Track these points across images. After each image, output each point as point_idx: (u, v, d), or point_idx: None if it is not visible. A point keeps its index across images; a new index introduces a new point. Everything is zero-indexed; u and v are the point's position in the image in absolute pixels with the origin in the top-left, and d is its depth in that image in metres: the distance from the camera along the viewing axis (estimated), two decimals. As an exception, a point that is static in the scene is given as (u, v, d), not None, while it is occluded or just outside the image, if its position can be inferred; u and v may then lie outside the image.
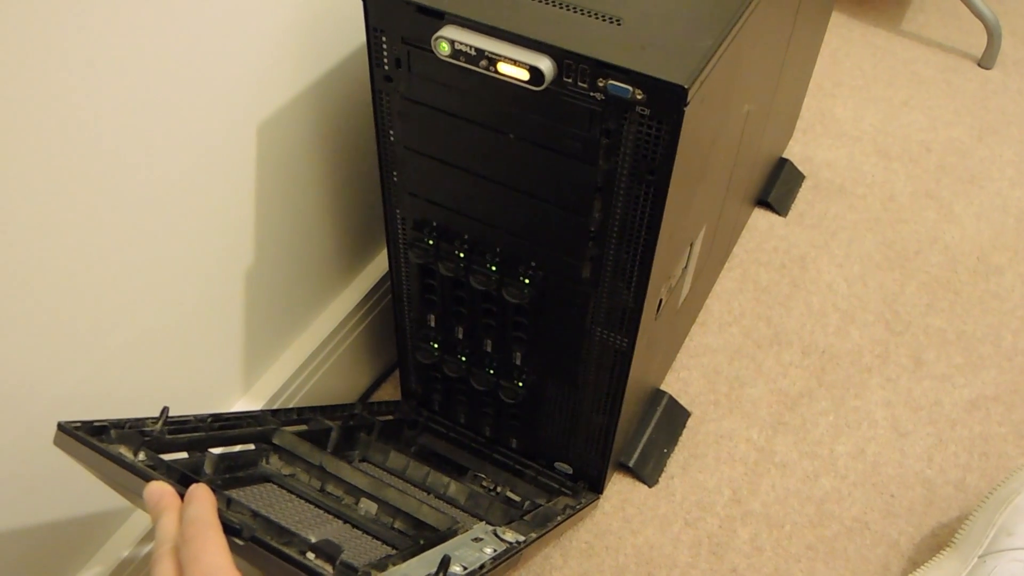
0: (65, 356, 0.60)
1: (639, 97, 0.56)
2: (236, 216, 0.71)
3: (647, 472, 0.91)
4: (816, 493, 0.92)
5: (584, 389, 0.78)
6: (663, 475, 0.92)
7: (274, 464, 0.69)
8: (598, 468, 0.85)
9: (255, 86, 0.68)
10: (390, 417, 0.88)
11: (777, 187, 1.21)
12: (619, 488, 0.91)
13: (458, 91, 0.63)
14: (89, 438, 0.53)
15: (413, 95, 0.66)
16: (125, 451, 0.54)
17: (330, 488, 0.69)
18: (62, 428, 0.53)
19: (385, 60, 0.65)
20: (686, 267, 0.81)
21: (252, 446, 0.69)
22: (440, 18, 0.60)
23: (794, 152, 1.29)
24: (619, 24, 0.59)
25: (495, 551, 0.63)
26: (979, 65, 1.46)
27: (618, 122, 0.58)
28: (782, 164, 1.24)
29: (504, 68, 0.58)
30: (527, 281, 0.71)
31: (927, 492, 0.92)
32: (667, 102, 0.56)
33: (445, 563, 0.53)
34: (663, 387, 0.99)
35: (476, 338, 0.80)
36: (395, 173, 0.72)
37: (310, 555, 0.47)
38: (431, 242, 0.74)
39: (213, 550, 0.45)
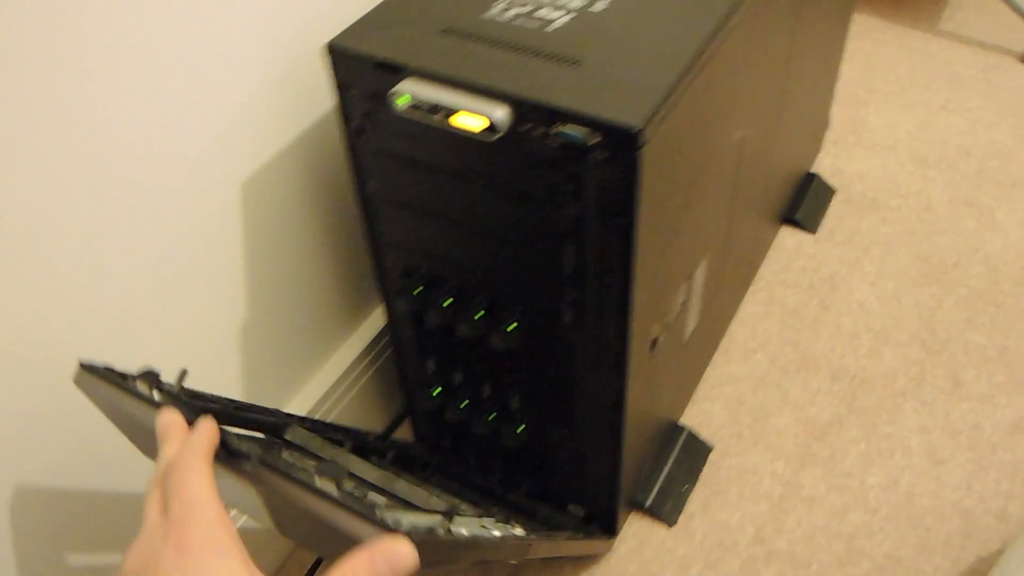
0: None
1: (596, 141, 0.55)
2: (226, 274, 0.72)
3: (665, 512, 0.89)
4: (845, 529, 0.88)
5: (583, 431, 0.76)
6: (682, 514, 0.89)
7: (285, 459, 0.68)
8: (609, 510, 0.83)
9: (236, 148, 0.68)
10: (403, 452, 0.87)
11: (805, 203, 1.17)
12: (636, 529, 0.88)
13: (423, 142, 0.62)
14: (108, 372, 0.52)
15: (384, 147, 0.65)
16: (142, 386, 0.53)
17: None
18: (84, 366, 0.52)
19: (355, 114, 0.65)
20: (687, 301, 0.79)
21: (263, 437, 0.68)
22: (397, 72, 0.59)
23: (824, 165, 1.25)
24: (578, 65, 0.57)
25: (501, 533, 0.61)
26: (1022, 62, 1.40)
27: (578, 166, 0.57)
28: (810, 179, 1.20)
29: (459, 120, 0.57)
30: (514, 326, 0.70)
31: (965, 523, 0.87)
32: (622, 145, 0.54)
33: (451, 512, 0.51)
34: (682, 421, 0.96)
35: (475, 383, 0.78)
36: (377, 224, 0.71)
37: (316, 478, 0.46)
38: (419, 290, 0.73)
39: (195, 480, 0.43)
